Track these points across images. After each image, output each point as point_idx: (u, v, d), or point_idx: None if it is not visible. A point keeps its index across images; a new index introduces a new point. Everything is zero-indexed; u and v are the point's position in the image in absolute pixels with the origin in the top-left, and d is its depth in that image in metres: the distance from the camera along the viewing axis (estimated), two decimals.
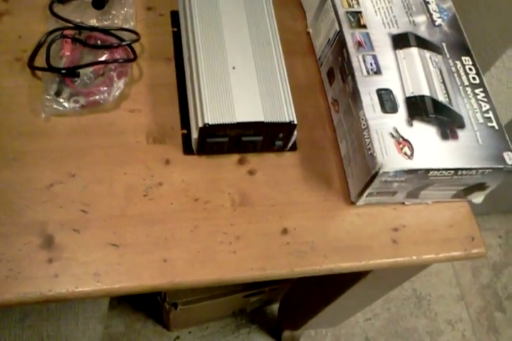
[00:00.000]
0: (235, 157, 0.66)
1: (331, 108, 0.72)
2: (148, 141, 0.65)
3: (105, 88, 0.64)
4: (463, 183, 0.63)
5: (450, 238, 0.65)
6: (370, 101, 0.62)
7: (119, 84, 0.66)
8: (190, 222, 0.61)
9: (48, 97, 0.63)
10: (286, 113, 0.62)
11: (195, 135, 0.62)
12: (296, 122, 0.62)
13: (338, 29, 0.69)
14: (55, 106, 0.63)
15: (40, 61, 0.67)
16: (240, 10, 0.69)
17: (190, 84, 0.65)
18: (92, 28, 0.69)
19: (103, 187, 0.61)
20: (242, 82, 0.63)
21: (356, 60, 0.66)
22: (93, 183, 0.61)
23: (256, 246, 0.61)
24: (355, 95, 0.64)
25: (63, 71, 0.64)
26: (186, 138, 0.65)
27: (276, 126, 0.62)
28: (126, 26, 0.71)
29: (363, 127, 0.61)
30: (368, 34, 0.68)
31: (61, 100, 0.63)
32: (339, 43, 0.68)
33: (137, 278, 0.57)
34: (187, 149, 0.65)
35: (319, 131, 0.70)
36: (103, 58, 0.67)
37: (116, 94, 0.65)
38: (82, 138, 0.64)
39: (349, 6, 0.70)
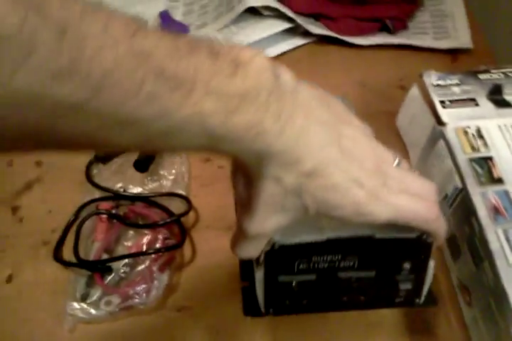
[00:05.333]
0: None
1: (457, 292, 0.50)
2: None
3: (143, 286, 0.48)
4: None
5: None
6: None
7: (162, 278, 0.49)
8: None
9: (73, 303, 0.48)
10: None
11: (259, 274, 0.39)
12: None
13: (460, 185, 0.48)
14: (80, 314, 0.48)
15: (70, 246, 0.53)
16: None
17: None
18: (133, 198, 0.55)
19: None
20: None
21: (495, 238, 0.44)
22: None
23: None
24: (499, 296, 0.42)
25: (91, 265, 0.50)
26: (247, 294, 0.44)
27: (398, 244, 0.37)
28: (177, 189, 0.57)
29: None
30: (507, 193, 0.47)
31: (87, 306, 0.48)
32: (464, 207, 0.48)
33: None
34: (248, 310, 0.43)
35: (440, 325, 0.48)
36: (144, 240, 0.52)
37: (159, 292, 0.49)
38: None
39: (473, 149, 0.50)
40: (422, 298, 0.41)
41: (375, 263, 0.38)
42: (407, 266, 0.39)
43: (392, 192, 0.32)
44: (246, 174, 0.30)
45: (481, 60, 0.69)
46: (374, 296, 0.40)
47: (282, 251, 0.36)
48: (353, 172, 0.30)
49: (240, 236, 0.33)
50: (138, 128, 0.23)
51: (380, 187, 0.31)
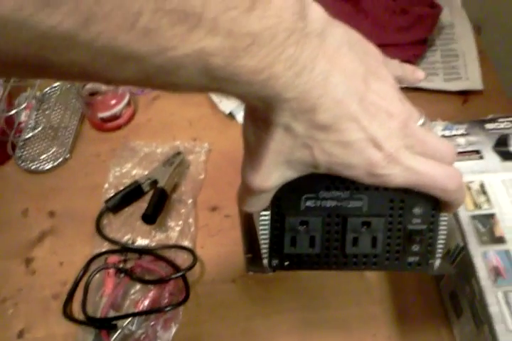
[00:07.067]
0: None
1: None
2: None
3: None
4: None
5: None
6: None
7: (166, 337, 0.50)
8: None
9: None
10: None
11: (264, 217, 0.35)
12: None
13: (461, 243, 0.48)
14: None
15: (79, 300, 0.55)
16: None
17: None
18: (140, 251, 0.57)
19: None
20: None
21: (494, 301, 0.43)
22: None
23: None
24: None
25: (98, 323, 0.51)
26: (251, 262, 0.38)
27: None
28: (183, 241, 0.58)
29: None
30: (508, 253, 0.46)
31: None
32: (465, 265, 0.47)
33: None
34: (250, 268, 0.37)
35: None
36: (150, 295, 0.53)
37: None
38: None
39: (476, 206, 0.50)
40: (437, 261, 0.36)
41: (383, 206, 0.35)
42: (417, 211, 0.35)
43: (413, 155, 0.29)
44: (255, 117, 0.28)
45: (493, 100, 0.68)
46: (386, 251, 0.36)
47: (290, 183, 0.32)
48: (372, 130, 0.27)
49: (244, 190, 0.30)
50: (134, 64, 0.21)
51: (400, 149, 0.28)
